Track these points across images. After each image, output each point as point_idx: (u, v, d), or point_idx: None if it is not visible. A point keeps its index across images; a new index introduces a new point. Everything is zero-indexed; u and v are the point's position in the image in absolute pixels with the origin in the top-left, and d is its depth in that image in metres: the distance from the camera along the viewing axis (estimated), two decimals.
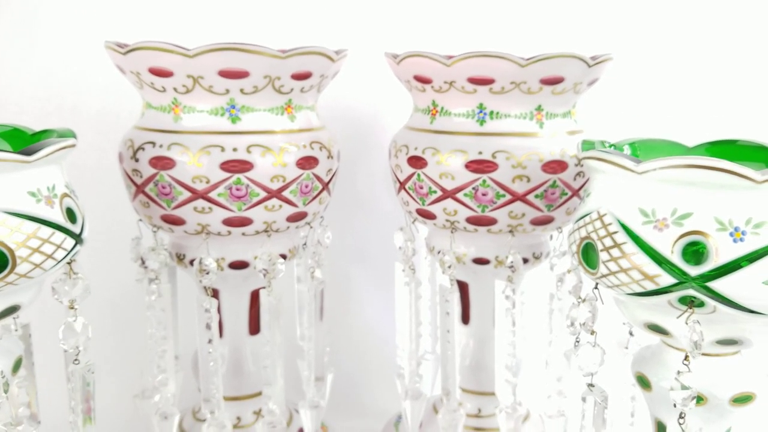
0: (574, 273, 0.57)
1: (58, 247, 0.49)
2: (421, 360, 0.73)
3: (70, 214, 0.51)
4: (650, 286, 0.46)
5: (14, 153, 0.46)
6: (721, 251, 0.44)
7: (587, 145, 0.55)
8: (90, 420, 0.56)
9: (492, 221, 0.65)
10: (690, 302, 0.46)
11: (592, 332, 0.53)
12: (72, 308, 0.53)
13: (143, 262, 0.67)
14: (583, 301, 0.53)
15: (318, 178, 0.65)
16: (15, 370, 0.54)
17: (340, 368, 0.79)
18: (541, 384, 0.73)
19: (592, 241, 0.49)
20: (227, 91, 0.60)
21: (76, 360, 0.54)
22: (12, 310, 0.50)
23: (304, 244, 0.72)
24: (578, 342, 0.54)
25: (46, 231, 0.48)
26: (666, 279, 0.45)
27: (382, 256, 0.98)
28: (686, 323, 0.46)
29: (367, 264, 1.02)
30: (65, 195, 0.51)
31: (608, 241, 0.48)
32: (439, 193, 0.65)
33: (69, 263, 0.53)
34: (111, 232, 0.86)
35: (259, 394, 0.74)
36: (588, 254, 0.50)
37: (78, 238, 0.51)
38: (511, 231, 0.66)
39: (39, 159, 0.47)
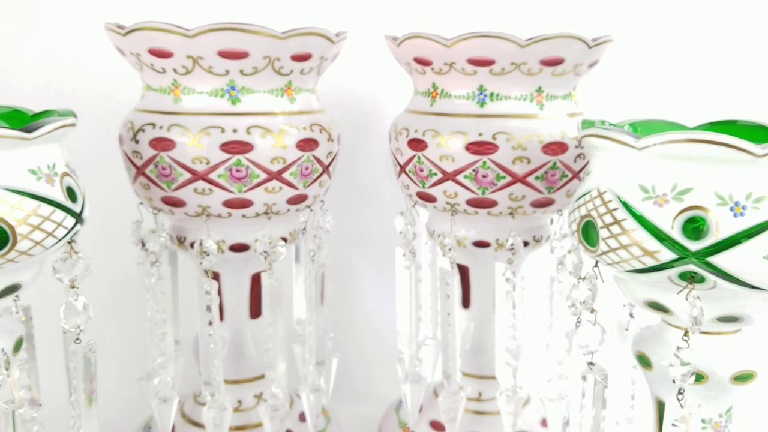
0: (574, 253, 0.57)
1: (59, 225, 0.49)
2: (421, 344, 0.73)
3: (71, 193, 0.51)
4: (650, 262, 0.46)
5: (14, 130, 0.46)
6: (722, 226, 0.44)
7: (587, 124, 0.54)
8: (92, 401, 0.56)
9: (492, 203, 0.65)
10: (690, 278, 0.46)
11: (592, 310, 0.53)
12: (73, 287, 0.53)
13: (144, 245, 0.67)
14: (583, 279, 0.53)
15: (318, 160, 0.65)
16: (16, 351, 0.54)
17: (341, 353, 0.79)
18: (541, 367, 0.73)
19: (592, 218, 0.49)
20: (227, 72, 0.60)
21: (77, 339, 0.54)
22: (13, 288, 0.50)
23: (304, 229, 0.72)
24: (579, 323, 0.54)
25: (46, 209, 0.48)
26: (666, 254, 0.45)
27: (383, 242, 0.98)
28: (686, 299, 0.46)
29: (367, 249, 1.02)
30: (65, 174, 0.51)
31: (608, 218, 0.48)
32: (440, 175, 0.65)
33: (70, 243, 0.53)
34: (112, 216, 0.86)
35: (260, 377, 0.74)
36: (588, 232, 0.50)
37: (78, 217, 0.51)
38: (511, 213, 0.66)
39: (39, 136, 0.47)
